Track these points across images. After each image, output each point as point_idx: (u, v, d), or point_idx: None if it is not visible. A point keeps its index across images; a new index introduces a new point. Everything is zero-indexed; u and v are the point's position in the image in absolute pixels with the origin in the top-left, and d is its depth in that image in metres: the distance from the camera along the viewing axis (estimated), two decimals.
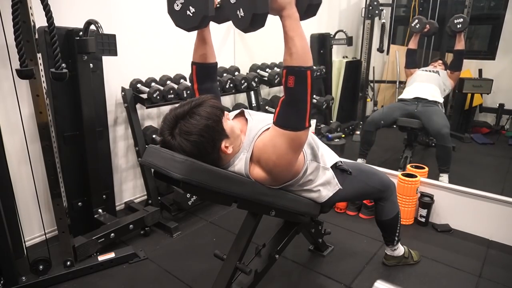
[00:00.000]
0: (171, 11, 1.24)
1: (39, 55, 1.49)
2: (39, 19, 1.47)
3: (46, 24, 1.41)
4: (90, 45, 1.86)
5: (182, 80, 2.54)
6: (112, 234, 1.98)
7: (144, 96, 2.28)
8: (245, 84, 2.85)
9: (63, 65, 1.46)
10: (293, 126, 1.10)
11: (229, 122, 1.23)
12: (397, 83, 4.06)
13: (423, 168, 2.52)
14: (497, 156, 3.58)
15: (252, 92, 3.00)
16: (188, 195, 2.24)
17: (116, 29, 2.02)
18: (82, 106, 1.98)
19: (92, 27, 1.85)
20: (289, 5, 1.01)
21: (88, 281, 1.78)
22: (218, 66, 2.95)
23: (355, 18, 4.35)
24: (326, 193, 1.45)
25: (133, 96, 2.29)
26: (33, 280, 1.68)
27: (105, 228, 2.00)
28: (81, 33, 1.89)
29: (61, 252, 1.80)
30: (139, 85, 2.36)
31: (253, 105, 3.02)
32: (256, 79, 2.95)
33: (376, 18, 4.07)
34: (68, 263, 1.77)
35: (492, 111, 4.15)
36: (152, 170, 1.28)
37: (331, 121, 3.84)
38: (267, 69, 3.15)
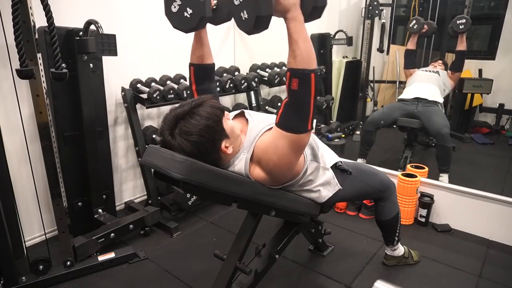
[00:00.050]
0: (168, 13, 1.25)
1: (39, 55, 1.49)
2: (39, 19, 1.47)
3: (46, 24, 1.41)
4: (90, 45, 1.85)
5: (182, 80, 2.54)
6: (112, 234, 1.98)
7: (144, 96, 2.28)
8: (245, 84, 2.85)
9: (63, 65, 1.46)
10: (295, 128, 1.10)
11: (229, 122, 1.23)
12: (397, 83, 4.06)
13: (423, 168, 2.52)
14: (497, 156, 3.58)
15: (252, 92, 3.00)
16: (188, 195, 2.24)
17: (116, 29, 2.02)
18: (82, 106, 1.98)
19: (92, 27, 1.85)
20: (293, 7, 1.01)
21: (88, 281, 1.78)
22: (218, 66, 3.00)
23: (355, 18, 4.35)
24: (326, 193, 1.45)
25: (133, 96, 2.29)
26: (33, 280, 1.68)
27: (105, 228, 2.00)
28: (81, 33, 1.89)
29: (61, 252, 1.81)
30: (139, 85, 2.36)
31: (253, 105, 3.02)
32: (256, 79, 2.95)
33: (376, 18, 4.07)
34: (68, 263, 1.77)
35: (492, 111, 4.15)
36: (152, 170, 1.28)
37: (331, 121, 3.84)
38: (267, 69, 3.15)
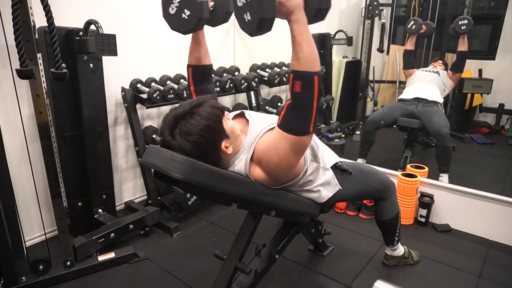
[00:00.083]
0: (166, 15, 1.26)
1: (39, 55, 1.49)
2: (39, 19, 1.47)
3: (46, 24, 1.41)
4: (90, 45, 1.85)
5: (182, 80, 2.54)
6: (112, 234, 1.98)
7: (144, 96, 2.28)
8: (245, 84, 2.85)
9: (63, 65, 1.46)
10: (297, 130, 1.10)
11: (229, 122, 1.23)
12: (397, 83, 4.06)
13: (423, 168, 2.52)
14: (497, 156, 3.58)
15: (252, 92, 3.00)
16: (188, 195, 2.24)
17: (116, 29, 2.02)
18: (82, 106, 1.98)
19: (92, 27, 1.85)
20: (297, 10, 1.00)
21: (88, 281, 1.78)
22: (218, 66, 2.99)
23: (355, 18, 4.35)
24: (326, 194, 1.45)
25: (133, 96, 2.29)
26: (33, 280, 1.68)
27: (105, 228, 2.00)
28: (81, 33, 1.89)
29: (61, 252, 1.80)
30: (139, 85, 2.36)
31: (253, 105, 3.02)
32: (256, 79, 2.95)
33: (376, 18, 4.07)
34: (68, 263, 1.77)
35: (492, 111, 4.15)
36: (152, 170, 1.28)
37: (331, 121, 3.84)
38: (267, 69, 3.15)
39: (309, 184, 1.39)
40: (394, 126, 3.01)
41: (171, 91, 2.32)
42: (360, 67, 4.20)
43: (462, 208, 2.23)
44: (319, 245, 1.97)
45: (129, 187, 2.60)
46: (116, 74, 2.29)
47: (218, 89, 2.62)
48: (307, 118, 1.08)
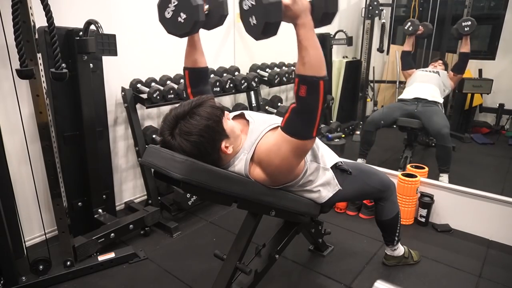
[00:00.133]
0: (162, 19, 1.27)
1: (39, 55, 1.49)
2: (39, 19, 1.47)
3: (46, 24, 1.41)
4: (90, 45, 1.85)
5: (182, 80, 2.54)
6: (112, 234, 1.98)
7: (144, 96, 2.28)
8: (245, 84, 2.85)
9: (63, 65, 1.46)
10: (300, 134, 1.09)
11: (229, 122, 1.23)
12: (397, 83, 4.06)
13: (423, 168, 2.52)
14: (497, 156, 3.58)
15: (252, 92, 3.00)
16: (188, 195, 2.24)
17: (116, 29, 2.02)
18: (82, 106, 1.98)
19: (92, 27, 1.85)
20: (303, 14, 0.99)
21: (88, 281, 1.78)
22: (218, 66, 2.99)
23: (355, 18, 4.35)
24: (326, 194, 1.45)
25: (133, 96, 2.29)
26: (33, 280, 1.68)
27: (105, 228, 2.00)
28: (81, 33, 1.89)
29: (61, 252, 1.80)
30: (139, 85, 2.36)
31: (253, 105, 3.02)
32: (256, 79, 2.95)
33: (376, 18, 4.07)
34: (68, 263, 1.77)
35: (492, 111, 4.15)
36: (152, 170, 1.28)
37: (331, 121, 3.84)
38: (267, 69, 3.15)
39: (309, 184, 1.39)
40: (394, 126, 3.01)
41: (171, 91, 2.32)
42: (360, 67, 4.20)
43: (462, 208, 2.23)
44: (319, 245, 1.97)
45: (129, 187, 2.60)
46: (116, 74, 2.29)
47: (218, 89, 2.62)
48: (311, 123, 1.07)
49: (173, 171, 1.07)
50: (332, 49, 3.85)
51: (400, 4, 4.48)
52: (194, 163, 1.09)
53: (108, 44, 1.92)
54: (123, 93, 2.26)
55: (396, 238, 1.78)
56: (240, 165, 1.23)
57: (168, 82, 2.47)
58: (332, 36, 3.80)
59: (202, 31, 1.34)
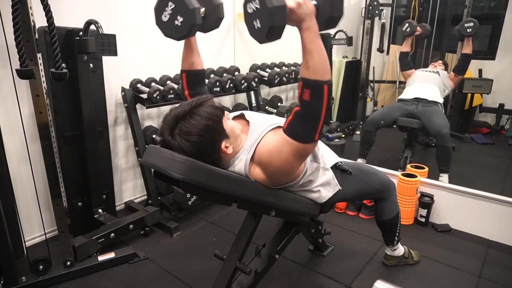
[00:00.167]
0: (159, 22, 1.29)
1: (39, 55, 1.49)
2: (39, 19, 1.47)
3: (46, 24, 1.41)
4: (90, 45, 1.85)
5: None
6: (112, 234, 1.98)
7: (144, 96, 2.28)
8: (245, 84, 2.85)
9: (63, 65, 1.46)
10: (302, 138, 1.09)
11: (229, 122, 1.24)
12: (397, 83, 4.06)
13: (423, 168, 2.52)
14: (497, 156, 3.58)
15: (252, 92, 3.00)
16: (188, 195, 2.24)
17: (116, 29, 2.02)
18: (82, 106, 1.98)
19: (92, 27, 1.85)
20: (308, 17, 0.99)
21: (88, 281, 1.78)
22: (218, 66, 2.99)
23: (355, 18, 4.35)
24: (326, 194, 1.45)
25: (133, 96, 2.29)
26: (33, 280, 1.68)
27: (105, 228, 2.00)
28: (81, 33, 1.89)
29: (61, 252, 1.80)
30: (139, 85, 2.36)
31: (253, 105, 3.02)
32: (256, 79, 2.95)
33: (376, 18, 4.07)
34: (68, 263, 1.77)
35: (492, 111, 4.15)
36: (152, 170, 1.28)
37: (331, 121, 3.83)
38: (267, 69, 3.15)
39: (309, 184, 1.39)
40: (394, 126, 3.01)
41: (171, 91, 2.32)
42: (360, 67, 4.20)
43: (462, 208, 2.23)
44: (319, 245, 1.97)
45: (129, 187, 2.60)
46: (116, 74, 2.29)
47: (218, 89, 2.62)
48: (314, 127, 1.07)
49: (173, 171, 1.07)
50: (332, 49, 3.85)
51: (400, 4, 4.48)
52: (194, 163, 1.09)
53: (108, 44, 1.92)
54: (123, 93, 2.26)
55: (396, 238, 1.78)
56: (240, 165, 1.23)
57: (168, 82, 2.47)
58: (332, 36, 3.79)
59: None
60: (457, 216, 2.26)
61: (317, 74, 1.01)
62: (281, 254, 1.59)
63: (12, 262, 1.61)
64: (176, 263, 1.92)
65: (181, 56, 1.44)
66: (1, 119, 1.81)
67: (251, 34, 1.04)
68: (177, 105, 1.19)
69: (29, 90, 1.57)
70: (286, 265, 1.91)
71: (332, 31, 3.81)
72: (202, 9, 1.28)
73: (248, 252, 1.43)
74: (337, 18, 1.05)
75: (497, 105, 4.03)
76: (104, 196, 2.21)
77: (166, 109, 2.48)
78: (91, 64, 1.99)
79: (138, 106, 2.35)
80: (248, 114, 1.37)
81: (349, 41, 3.69)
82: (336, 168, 1.48)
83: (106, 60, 2.10)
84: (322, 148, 1.46)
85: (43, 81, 1.53)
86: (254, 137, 1.24)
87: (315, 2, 1.02)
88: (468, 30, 2.92)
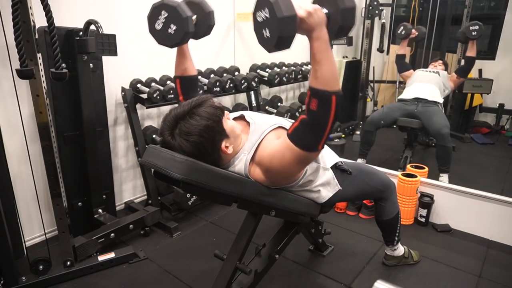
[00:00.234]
0: (152, 30, 1.30)
1: (39, 55, 1.49)
2: (39, 19, 1.47)
3: (46, 24, 1.41)
4: (90, 45, 1.85)
5: None
6: (112, 234, 1.98)
7: (144, 96, 2.28)
8: (245, 84, 2.85)
9: (63, 65, 1.46)
10: (305, 146, 1.08)
11: (229, 122, 1.24)
12: (397, 83, 4.06)
13: (423, 168, 2.52)
14: (497, 156, 3.58)
15: (252, 92, 3.00)
16: (188, 195, 2.24)
17: (116, 29, 2.02)
18: (82, 106, 1.98)
19: (92, 27, 1.85)
20: (319, 27, 0.97)
21: (88, 281, 1.78)
22: (218, 66, 2.99)
23: (355, 18, 4.34)
24: (326, 194, 1.45)
25: (133, 96, 2.29)
26: (33, 280, 1.68)
27: (105, 228, 2.00)
28: (81, 33, 1.89)
29: (61, 252, 1.80)
30: (139, 85, 2.36)
31: (253, 105, 3.02)
32: (256, 79, 2.95)
33: (376, 18, 4.07)
34: (68, 263, 1.77)
35: (492, 111, 4.15)
36: (152, 170, 1.29)
37: None
38: (267, 69, 3.15)
39: (309, 184, 1.39)
40: (394, 126, 3.01)
41: (171, 91, 2.32)
42: (360, 67, 4.20)
43: (462, 208, 2.23)
44: (319, 245, 1.97)
45: (129, 187, 2.60)
46: (116, 74, 2.29)
47: (218, 89, 2.62)
48: (319, 137, 1.05)
49: (173, 171, 1.07)
50: (332, 49, 3.85)
51: (400, 4, 4.48)
52: (194, 163, 1.09)
53: (108, 44, 1.92)
54: (123, 93, 2.26)
55: (396, 238, 1.78)
56: (240, 165, 1.23)
57: (168, 82, 2.47)
58: None
59: None
60: (457, 216, 2.26)
61: (326, 84, 0.99)
62: (281, 254, 1.59)
63: (12, 262, 1.61)
64: (176, 263, 1.92)
65: None
66: (1, 119, 1.81)
67: (260, 43, 1.02)
68: (177, 105, 1.20)
69: (29, 90, 1.57)
70: (286, 265, 1.91)
71: None
72: (194, 17, 1.30)
73: (248, 252, 1.43)
74: (348, 28, 1.02)
75: (497, 105, 4.03)
76: (104, 196, 2.21)
77: (166, 109, 2.48)
78: (91, 64, 1.99)
79: (138, 106, 2.35)
80: (248, 115, 1.37)
81: (349, 41, 3.70)
82: (336, 168, 1.48)
83: (106, 60, 2.10)
84: None
85: (43, 81, 1.53)
86: (255, 138, 1.24)
87: (326, 11, 1.00)
88: (473, 33, 2.90)
